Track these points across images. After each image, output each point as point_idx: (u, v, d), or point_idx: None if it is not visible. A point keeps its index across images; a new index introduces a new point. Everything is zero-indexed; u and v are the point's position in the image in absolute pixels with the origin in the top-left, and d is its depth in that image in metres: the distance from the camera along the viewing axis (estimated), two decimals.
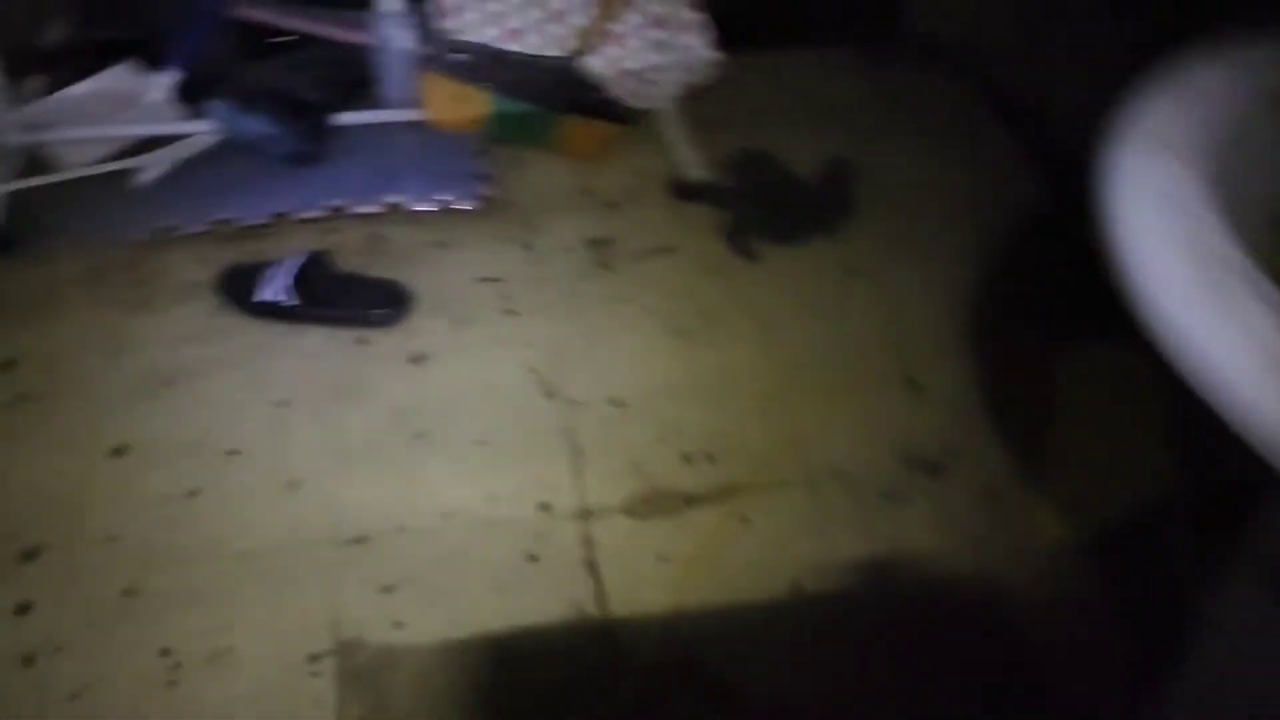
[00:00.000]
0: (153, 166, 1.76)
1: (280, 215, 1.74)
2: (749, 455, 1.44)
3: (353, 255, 1.68)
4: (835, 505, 1.38)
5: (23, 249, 1.65)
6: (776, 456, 1.44)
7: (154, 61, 1.87)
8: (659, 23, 1.99)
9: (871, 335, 1.61)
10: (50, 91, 1.88)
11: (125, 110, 1.81)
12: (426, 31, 1.92)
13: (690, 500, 1.38)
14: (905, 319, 1.64)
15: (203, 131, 1.80)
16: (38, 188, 1.72)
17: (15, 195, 1.70)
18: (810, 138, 1.96)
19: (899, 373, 1.55)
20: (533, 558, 1.31)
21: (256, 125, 1.75)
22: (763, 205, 1.82)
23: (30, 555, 1.27)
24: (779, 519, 1.36)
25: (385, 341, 1.55)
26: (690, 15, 1.99)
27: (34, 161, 1.77)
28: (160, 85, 1.84)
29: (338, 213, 1.75)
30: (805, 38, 2.20)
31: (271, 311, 1.56)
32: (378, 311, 1.58)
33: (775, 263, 1.73)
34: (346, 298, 1.58)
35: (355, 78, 1.89)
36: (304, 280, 1.56)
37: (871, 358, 1.58)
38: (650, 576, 1.30)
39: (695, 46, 2.02)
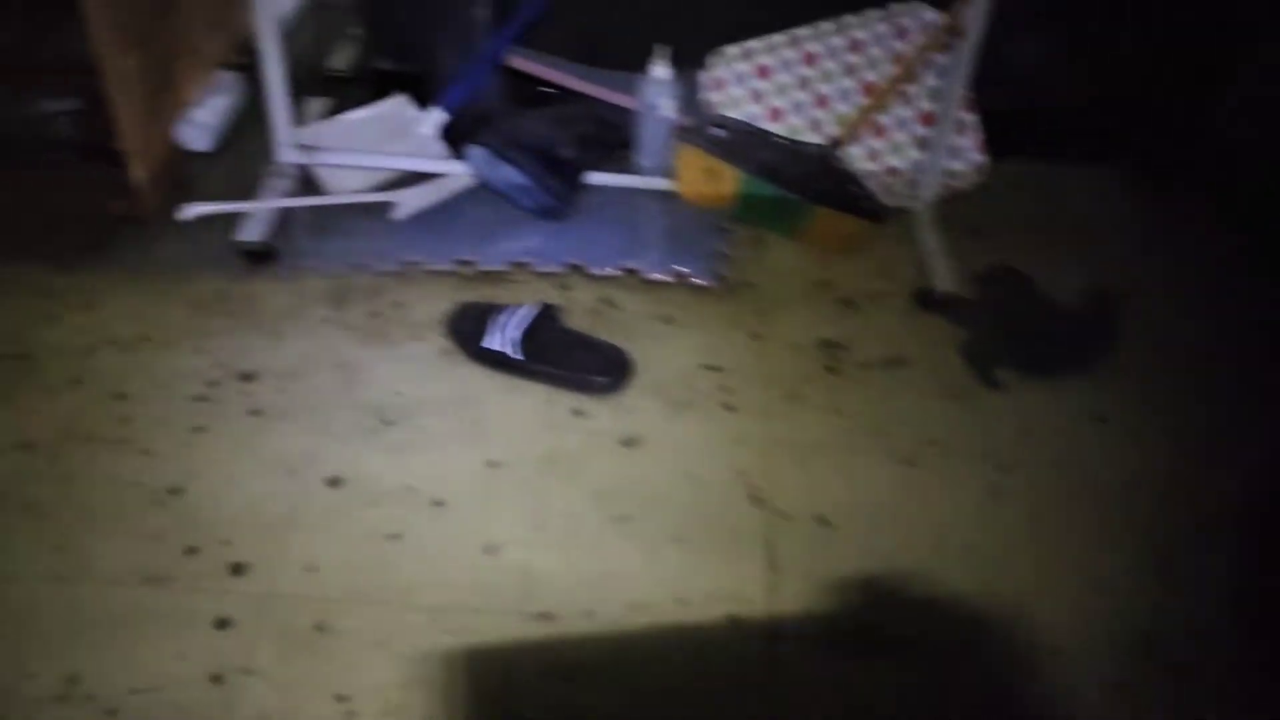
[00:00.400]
0: (409, 202, 1.82)
1: (520, 265, 1.76)
2: (957, 608, 1.32)
3: (583, 316, 1.68)
4: (1046, 685, 1.25)
5: (279, 264, 1.74)
6: (988, 616, 1.31)
7: (426, 99, 1.95)
8: (928, 120, 1.91)
9: (1119, 496, 1.46)
10: (328, 115, 1.99)
11: (393, 143, 1.89)
12: (689, 102, 1.91)
13: (885, 643, 1.28)
14: (1161, 485, 1.48)
15: (460, 174, 1.85)
16: (302, 207, 1.81)
17: (282, 212, 1.80)
18: (1075, 261, 1.82)
19: (1146, 546, 1.40)
20: (713, 670, 1.25)
21: (511, 175, 1.79)
22: (1012, 329, 1.70)
23: (238, 569, 1.30)
24: (981, 688, 1.24)
25: (601, 416, 1.53)
26: (962, 116, 1.90)
27: (303, 181, 1.87)
28: (428, 123, 1.90)
29: (575, 270, 1.76)
30: (1082, 151, 2.05)
31: (496, 360, 1.57)
32: (598, 379, 1.56)
33: (1018, 395, 1.60)
34: (570, 359, 1.57)
35: (612, 139, 1.90)
36: (532, 334, 1.56)
37: (1115, 522, 1.43)
38: (830, 714, 1.21)
39: (963, 149, 1.93)
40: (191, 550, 1.32)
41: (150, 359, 1.57)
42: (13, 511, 1.35)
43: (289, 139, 1.84)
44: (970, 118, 1.91)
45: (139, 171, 1.80)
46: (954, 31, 1.76)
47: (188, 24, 1.93)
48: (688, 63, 1.90)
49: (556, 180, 1.79)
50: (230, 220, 1.77)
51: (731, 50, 1.93)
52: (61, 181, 1.84)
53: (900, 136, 1.92)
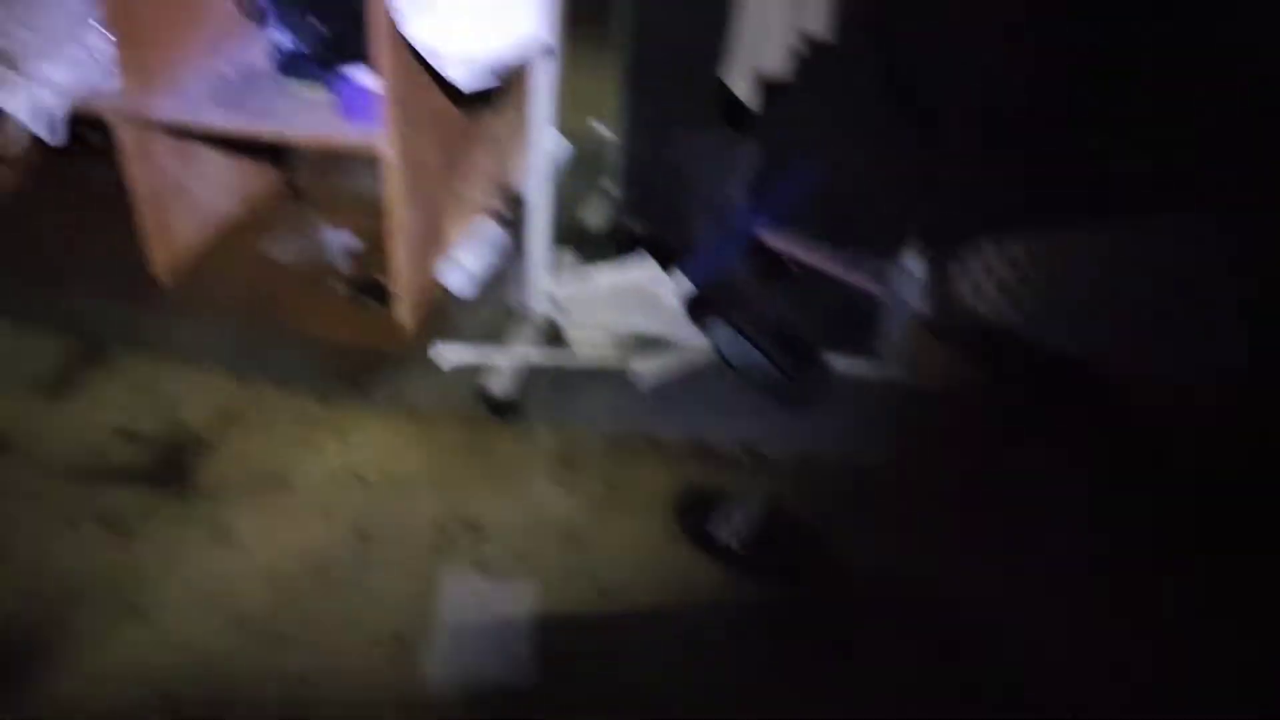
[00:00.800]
0: (649, 368, 1.85)
1: (754, 447, 1.73)
2: None
3: (815, 507, 1.63)
4: None
5: (520, 417, 1.78)
6: None
7: (671, 264, 1.99)
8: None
9: None
10: (577, 270, 2.06)
11: (638, 306, 1.93)
12: (938, 294, 1.87)
13: None
14: None
15: (701, 345, 1.86)
16: (547, 362, 1.87)
17: (528, 364, 1.85)
18: None
19: None
20: None
21: (750, 354, 1.79)
22: None
23: None
24: None
25: (820, 619, 1.46)
26: None
27: (550, 334, 1.93)
28: (673, 289, 1.94)
29: (808, 458, 1.72)
30: None
31: (720, 552, 1.54)
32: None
33: None
34: (797, 560, 1.53)
35: (857, 324, 1.88)
36: (758, 529, 1.53)
37: None
38: None
39: None
40: (406, 708, 1.33)
41: (392, 499, 1.63)
42: (251, 637, 1.41)
43: (541, 292, 1.91)
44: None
45: (403, 311, 1.91)
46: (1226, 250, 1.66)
47: (466, 178, 2.06)
48: (941, 251, 1.87)
49: (796, 363, 1.78)
50: (479, 366, 1.84)
51: (986, 244, 1.89)
52: (330, 312, 1.97)
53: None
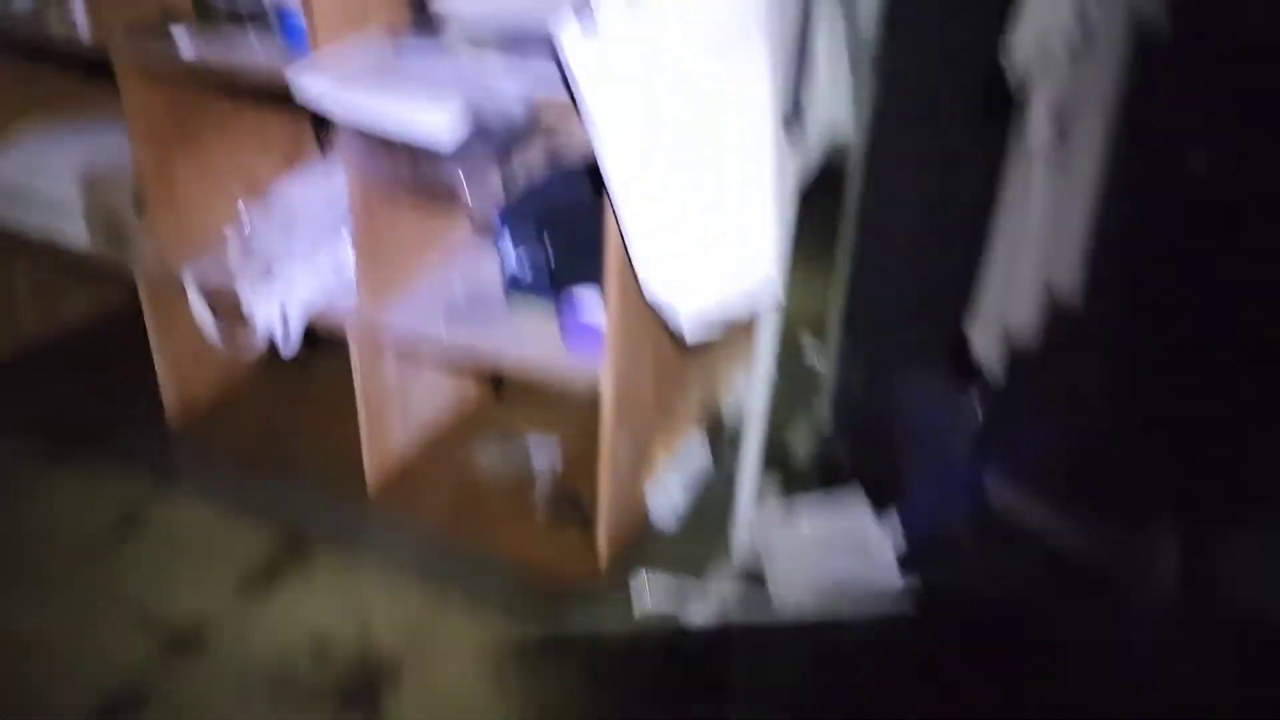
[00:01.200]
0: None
1: None
2: None
3: None
4: None
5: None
6: None
7: (881, 501, 1.86)
8: None
9: None
10: (782, 503, 1.96)
11: (845, 551, 1.81)
12: (1192, 575, 1.67)
13: None
14: None
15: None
16: (744, 607, 1.76)
17: (726, 609, 1.75)
18: None
19: None
20: None
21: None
22: None
23: None
24: None
25: None
26: None
27: (748, 572, 1.82)
28: (883, 533, 1.81)
29: None
30: None
31: None
32: None
33: None
34: None
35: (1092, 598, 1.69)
36: None
37: None
38: None
39: None
40: None
41: None
42: None
43: (745, 528, 1.82)
44: None
45: (602, 536, 1.85)
46: None
47: (676, 404, 2.02)
48: (1197, 527, 1.67)
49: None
50: (676, 601, 1.76)
51: (1253, 523, 1.68)
52: (528, 529, 1.94)
53: None
